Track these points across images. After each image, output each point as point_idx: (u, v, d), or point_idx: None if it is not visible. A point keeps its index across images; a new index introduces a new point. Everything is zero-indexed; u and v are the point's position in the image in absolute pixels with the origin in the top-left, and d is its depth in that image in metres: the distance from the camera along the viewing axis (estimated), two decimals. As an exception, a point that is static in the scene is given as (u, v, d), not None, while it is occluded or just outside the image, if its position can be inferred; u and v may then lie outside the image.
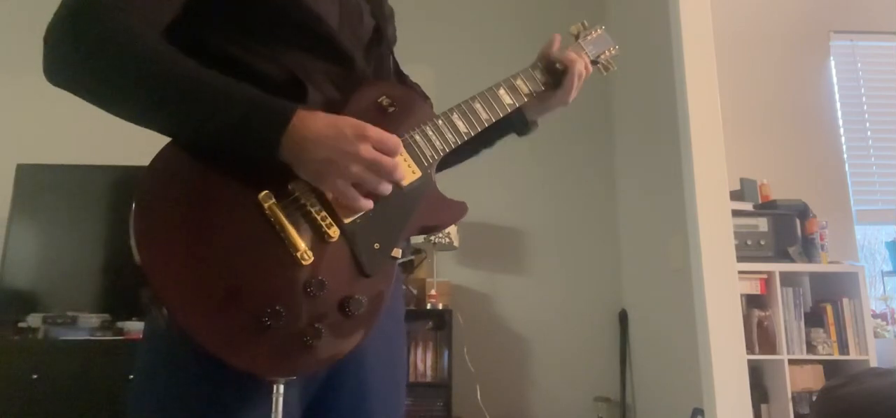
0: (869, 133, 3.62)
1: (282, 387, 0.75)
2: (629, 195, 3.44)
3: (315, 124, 0.78)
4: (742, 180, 3.14)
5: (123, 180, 2.87)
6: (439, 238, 3.02)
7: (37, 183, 2.98)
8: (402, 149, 0.87)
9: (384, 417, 0.95)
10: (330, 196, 0.81)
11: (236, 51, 0.87)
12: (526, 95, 1.11)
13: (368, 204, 0.83)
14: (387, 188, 0.84)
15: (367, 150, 0.79)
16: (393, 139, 0.83)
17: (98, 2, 0.77)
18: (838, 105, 3.60)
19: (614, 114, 3.64)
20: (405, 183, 0.89)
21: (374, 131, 0.81)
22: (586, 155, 3.61)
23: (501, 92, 1.08)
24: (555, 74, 1.15)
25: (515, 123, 1.17)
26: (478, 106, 1.03)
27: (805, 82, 3.58)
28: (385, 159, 0.81)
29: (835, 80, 3.64)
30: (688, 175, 2.65)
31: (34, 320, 2.69)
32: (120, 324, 2.75)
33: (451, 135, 0.97)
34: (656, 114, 3.04)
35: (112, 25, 0.77)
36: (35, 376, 2.50)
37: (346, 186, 0.80)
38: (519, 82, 1.11)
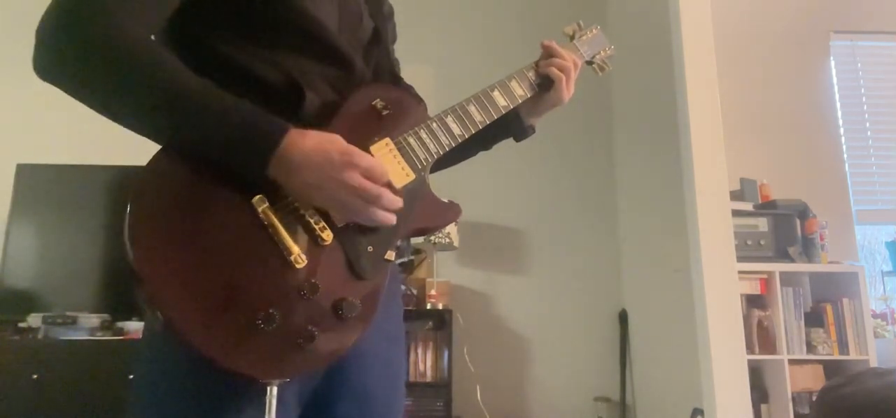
0: (869, 133, 3.62)
1: (275, 389, 0.75)
2: (629, 195, 3.43)
3: (304, 147, 0.77)
4: (742, 180, 3.14)
5: (123, 180, 2.86)
6: (439, 238, 3.02)
7: (37, 183, 2.98)
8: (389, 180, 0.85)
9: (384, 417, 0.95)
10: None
11: (234, 53, 0.86)
12: (520, 96, 1.10)
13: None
14: (378, 215, 0.82)
15: (353, 178, 0.79)
16: (380, 167, 0.82)
17: (91, 0, 0.76)
18: (838, 105, 3.60)
19: (614, 115, 3.63)
20: (399, 185, 0.88)
21: (364, 159, 0.80)
22: (586, 155, 3.60)
23: (496, 93, 1.07)
24: (547, 75, 1.14)
25: (512, 128, 1.16)
26: (472, 108, 1.02)
27: (805, 82, 3.58)
28: (372, 186, 0.80)
29: (835, 80, 3.63)
30: (688, 175, 2.65)
31: (34, 320, 2.69)
32: (120, 324, 2.74)
33: (444, 138, 0.97)
34: (656, 115, 3.03)
35: (103, 26, 0.75)
36: (35, 376, 2.50)
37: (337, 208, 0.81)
38: (513, 84, 1.10)
